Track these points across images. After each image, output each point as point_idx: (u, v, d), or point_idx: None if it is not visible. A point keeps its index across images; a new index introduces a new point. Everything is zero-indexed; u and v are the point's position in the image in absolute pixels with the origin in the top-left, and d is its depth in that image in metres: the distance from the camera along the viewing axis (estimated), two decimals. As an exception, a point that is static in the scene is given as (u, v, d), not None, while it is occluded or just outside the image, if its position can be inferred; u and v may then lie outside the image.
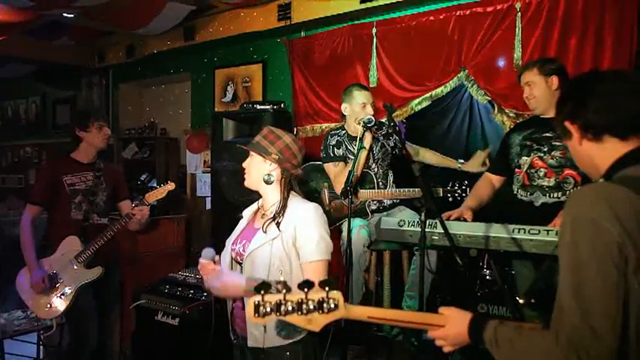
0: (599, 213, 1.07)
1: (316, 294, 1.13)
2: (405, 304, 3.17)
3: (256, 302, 1.11)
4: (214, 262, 1.96)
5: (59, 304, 3.01)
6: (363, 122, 3.03)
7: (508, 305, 2.89)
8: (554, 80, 2.66)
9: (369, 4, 3.95)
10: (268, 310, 1.11)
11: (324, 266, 1.94)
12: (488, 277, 3.09)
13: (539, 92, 2.68)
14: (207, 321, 2.29)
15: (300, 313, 1.12)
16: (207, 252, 1.97)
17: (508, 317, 2.95)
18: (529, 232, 2.34)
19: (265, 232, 1.99)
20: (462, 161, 3.36)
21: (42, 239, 3.28)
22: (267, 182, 2.03)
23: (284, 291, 1.11)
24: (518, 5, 3.34)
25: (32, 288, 2.99)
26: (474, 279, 3.12)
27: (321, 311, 1.13)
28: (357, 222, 3.12)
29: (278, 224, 1.98)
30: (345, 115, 3.35)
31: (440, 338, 1.31)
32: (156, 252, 4.03)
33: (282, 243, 1.95)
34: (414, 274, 3.09)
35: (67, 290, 3.02)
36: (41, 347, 3.62)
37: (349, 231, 2.55)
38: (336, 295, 1.14)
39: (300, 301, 1.12)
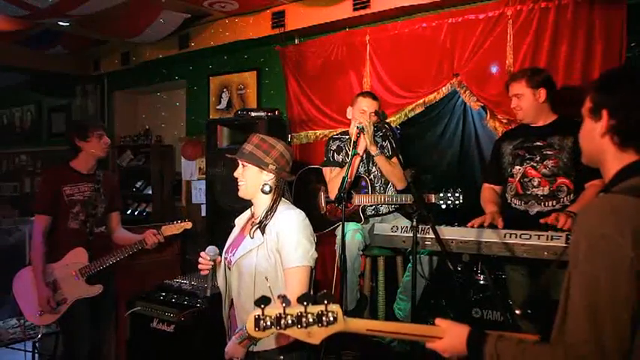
0: (610, 228, 1.07)
1: (315, 307, 1.14)
2: (397, 306, 3.18)
3: (257, 316, 1.12)
4: (215, 262, 2.12)
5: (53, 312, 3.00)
6: (358, 128, 3.06)
7: (501, 310, 2.90)
8: (542, 93, 2.67)
9: (362, 12, 3.98)
10: (268, 323, 1.12)
11: (303, 272, 1.94)
12: (481, 282, 3.11)
13: (527, 104, 2.70)
14: (203, 328, 2.30)
15: (299, 326, 1.13)
16: (211, 249, 2.10)
17: (502, 322, 2.97)
18: (520, 236, 2.36)
19: (252, 237, 2.02)
20: None
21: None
22: (266, 192, 2.05)
23: (283, 305, 1.12)
24: (509, 12, 3.37)
25: (39, 305, 2.97)
26: (467, 284, 3.13)
27: (320, 324, 1.14)
28: (351, 226, 3.14)
29: (263, 230, 2.00)
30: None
31: (439, 350, 1.30)
32: (151, 259, 4.01)
33: (266, 250, 1.98)
34: (409, 280, 3.10)
35: (63, 300, 3.01)
36: (36, 355, 3.61)
37: (343, 236, 2.57)
38: (335, 308, 1.15)
39: (299, 314, 1.13)
